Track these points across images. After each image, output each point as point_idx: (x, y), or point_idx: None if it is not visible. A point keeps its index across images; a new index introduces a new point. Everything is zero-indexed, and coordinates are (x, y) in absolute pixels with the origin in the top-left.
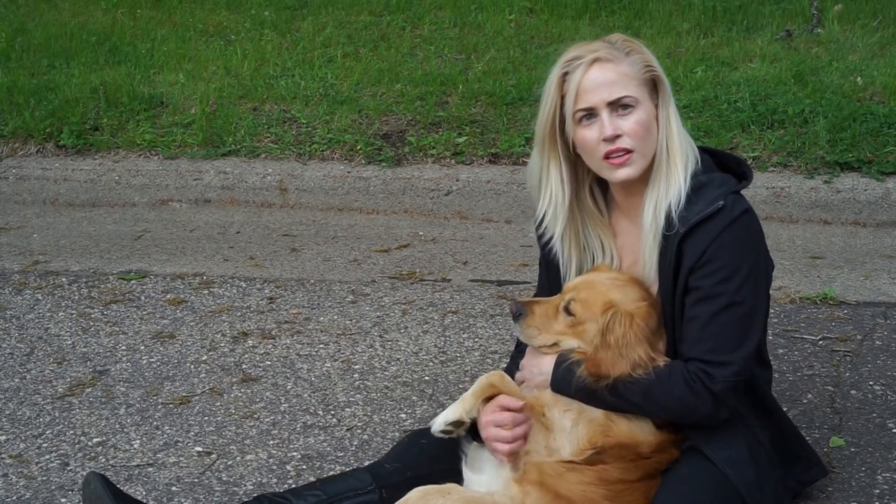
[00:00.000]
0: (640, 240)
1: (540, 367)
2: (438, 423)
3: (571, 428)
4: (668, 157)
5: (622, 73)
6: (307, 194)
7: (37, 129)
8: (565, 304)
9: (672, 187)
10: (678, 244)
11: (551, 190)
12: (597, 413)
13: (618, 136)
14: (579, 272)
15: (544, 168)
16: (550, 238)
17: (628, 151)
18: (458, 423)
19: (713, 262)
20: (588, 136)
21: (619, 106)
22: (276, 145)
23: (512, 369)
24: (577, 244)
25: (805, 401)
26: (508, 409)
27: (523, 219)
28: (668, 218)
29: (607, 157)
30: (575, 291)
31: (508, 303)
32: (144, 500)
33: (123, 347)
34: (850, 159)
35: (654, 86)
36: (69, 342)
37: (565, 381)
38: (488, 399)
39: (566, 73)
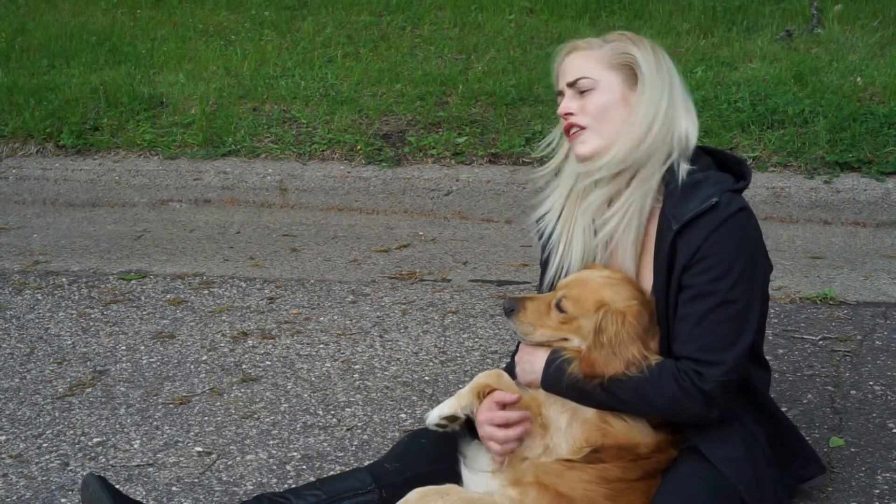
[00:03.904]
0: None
1: (532, 364)
2: (433, 417)
3: (566, 427)
4: (634, 161)
5: (587, 58)
6: (307, 194)
7: (37, 129)
8: (557, 300)
9: (635, 197)
10: (672, 241)
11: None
12: (590, 413)
13: (570, 114)
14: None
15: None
16: (548, 234)
17: (581, 128)
18: (452, 418)
19: (706, 260)
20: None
21: (579, 89)
22: (276, 145)
23: (512, 368)
24: (572, 238)
25: (805, 401)
26: (504, 404)
27: (523, 219)
28: (662, 221)
29: (566, 131)
30: (567, 288)
31: (502, 300)
32: (144, 501)
33: (123, 347)
34: (850, 159)
35: (631, 73)
36: (69, 342)
37: (556, 380)
38: (486, 396)
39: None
